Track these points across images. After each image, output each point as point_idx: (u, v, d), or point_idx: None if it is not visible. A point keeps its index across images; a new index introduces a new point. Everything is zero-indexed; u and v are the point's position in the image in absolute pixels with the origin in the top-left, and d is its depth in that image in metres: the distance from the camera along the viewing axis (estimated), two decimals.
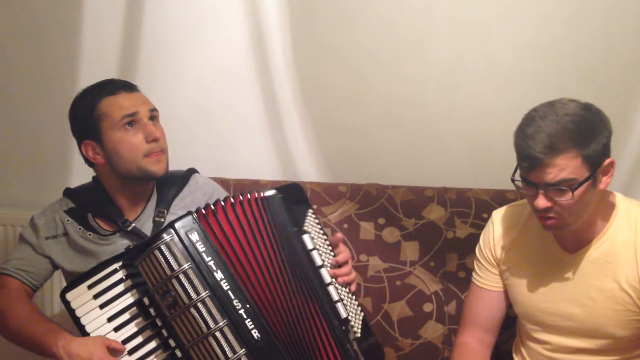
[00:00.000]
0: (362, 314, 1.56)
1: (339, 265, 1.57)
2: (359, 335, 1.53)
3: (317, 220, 1.58)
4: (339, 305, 1.50)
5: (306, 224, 1.55)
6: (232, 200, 1.50)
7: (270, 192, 1.54)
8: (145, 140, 1.58)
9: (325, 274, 1.52)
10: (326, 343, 1.48)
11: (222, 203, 1.50)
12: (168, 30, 2.15)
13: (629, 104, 2.02)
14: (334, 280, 1.53)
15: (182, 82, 2.17)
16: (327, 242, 1.58)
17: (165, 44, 2.16)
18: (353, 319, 1.53)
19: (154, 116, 1.63)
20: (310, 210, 1.58)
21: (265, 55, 2.13)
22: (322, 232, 1.58)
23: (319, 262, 1.52)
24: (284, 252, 1.50)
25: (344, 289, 1.55)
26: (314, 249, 1.52)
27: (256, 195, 1.52)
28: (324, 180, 2.14)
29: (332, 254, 1.58)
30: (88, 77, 1.93)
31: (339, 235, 1.60)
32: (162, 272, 1.42)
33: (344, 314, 1.50)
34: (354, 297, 1.56)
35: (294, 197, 1.58)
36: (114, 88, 1.61)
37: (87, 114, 1.60)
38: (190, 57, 2.16)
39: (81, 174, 2.07)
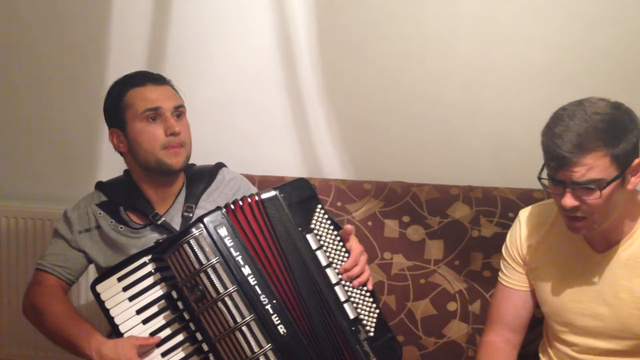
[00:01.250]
0: (378, 311, 1.54)
1: (348, 269, 1.52)
2: (372, 334, 1.51)
3: (326, 216, 1.54)
4: (346, 306, 1.49)
5: (313, 222, 1.53)
6: (232, 206, 1.49)
7: (269, 194, 1.50)
8: (164, 133, 1.60)
9: (332, 273, 1.50)
10: (340, 342, 1.48)
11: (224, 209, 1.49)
12: (194, 29, 2.17)
13: None
14: (341, 279, 1.51)
15: (208, 80, 2.19)
16: (338, 238, 1.54)
17: (192, 43, 2.18)
18: (365, 318, 1.52)
19: (180, 112, 1.65)
20: (319, 206, 1.54)
21: (290, 52, 2.14)
22: (332, 228, 1.54)
23: (324, 262, 1.50)
24: (286, 254, 1.48)
25: (355, 287, 1.52)
26: (319, 248, 1.50)
27: (256, 198, 1.49)
28: (349, 177, 2.15)
29: (344, 249, 1.54)
30: (116, 75, 1.95)
31: (349, 227, 1.55)
32: (190, 266, 1.44)
33: (352, 315, 1.49)
34: (367, 294, 1.54)
35: (299, 194, 1.53)
36: (142, 80, 1.64)
37: (115, 103, 1.64)
38: (216, 54, 2.18)
39: (109, 169, 2.10)
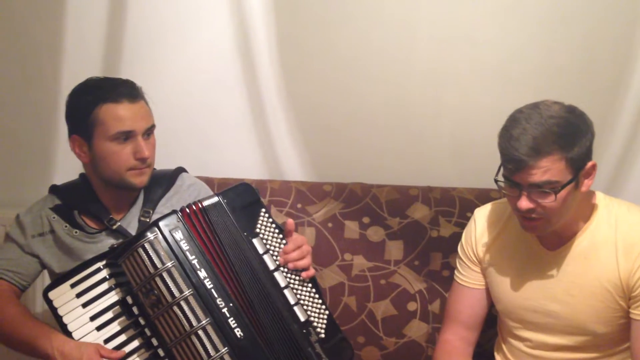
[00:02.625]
0: (327, 312, 1.54)
1: (287, 252, 1.51)
2: (322, 336, 1.51)
3: (270, 220, 1.53)
4: (296, 309, 1.49)
5: (258, 226, 1.52)
6: (187, 210, 1.47)
7: (211, 201, 1.49)
8: (133, 156, 1.57)
9: (280, 277, 1.49)
10: (293, 344, 1.48)
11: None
12: (151, 28, 2.14)
13: (610, 106, 2.04)
14: (290, 282, 1.50)
15: (166, 81, 2.15)
16: (284, 242, 1.53)
17: (149, 42, 2.15)
18: (315, 320, 1.52)
19: (150, 132, 1.61)
20: (263, 210, 1.53)
21: (250, 54, 2.12)
22: (277, 231, 1.54)
23: (271, 266, 1.50)
24: (233, 260, 1.47)
25: (303, 289, 1.52)
26: (266, 252, 1.50)
27: (199, 205, 1.47)
28: (309, 179, 2.14)
29: None
30: (70, 75, 1.91)
31: (290, 222, 1.53)
32: (145, 270, 1.42)
33: (302, 317, 1.49)
34: (316, 296, 1.54)
35: (243, 198, 1.52)
36: (117, 96, 1.55)
37: (83, 114, 1.56)
38: (174, 55, 2.15)
39: (63, 172, 2.06)
